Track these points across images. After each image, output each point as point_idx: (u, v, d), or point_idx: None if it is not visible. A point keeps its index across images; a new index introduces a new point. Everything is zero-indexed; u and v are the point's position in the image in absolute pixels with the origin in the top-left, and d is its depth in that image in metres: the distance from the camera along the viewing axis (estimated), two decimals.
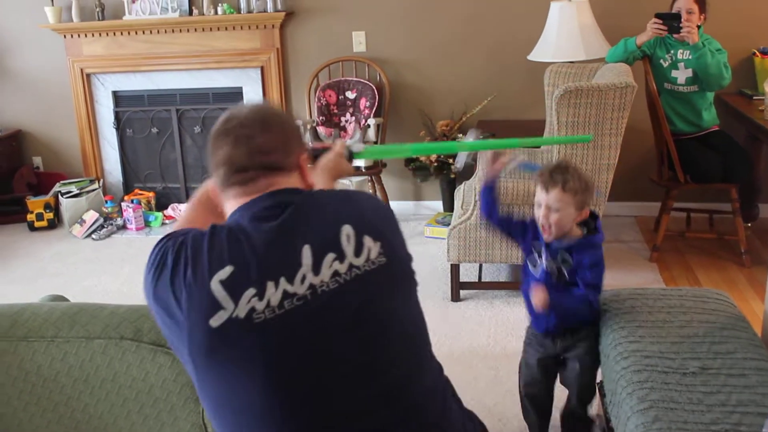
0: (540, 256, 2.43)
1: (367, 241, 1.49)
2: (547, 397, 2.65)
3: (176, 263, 1.45)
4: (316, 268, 1.43)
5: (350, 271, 1.45)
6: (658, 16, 4.02)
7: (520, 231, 2.54)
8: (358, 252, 1.47)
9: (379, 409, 1.45)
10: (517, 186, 3.54)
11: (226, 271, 1.41)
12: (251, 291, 1.40)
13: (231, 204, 1.56)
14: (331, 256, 1.45)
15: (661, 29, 4.00)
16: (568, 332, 2.47)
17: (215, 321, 1.39)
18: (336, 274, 1.44)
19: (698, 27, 4.00)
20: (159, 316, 1.49)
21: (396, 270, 1.54)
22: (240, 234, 1.45)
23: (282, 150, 1.55)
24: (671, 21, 3.97)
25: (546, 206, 2.33)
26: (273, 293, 1.40)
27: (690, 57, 4.04)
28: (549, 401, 2.66)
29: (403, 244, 1.61)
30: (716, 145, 4.14)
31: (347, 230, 1.48)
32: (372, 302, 1.47)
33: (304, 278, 1.42)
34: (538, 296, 2.32)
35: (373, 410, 1.45)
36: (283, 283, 1.41)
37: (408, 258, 1.62)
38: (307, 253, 1.44)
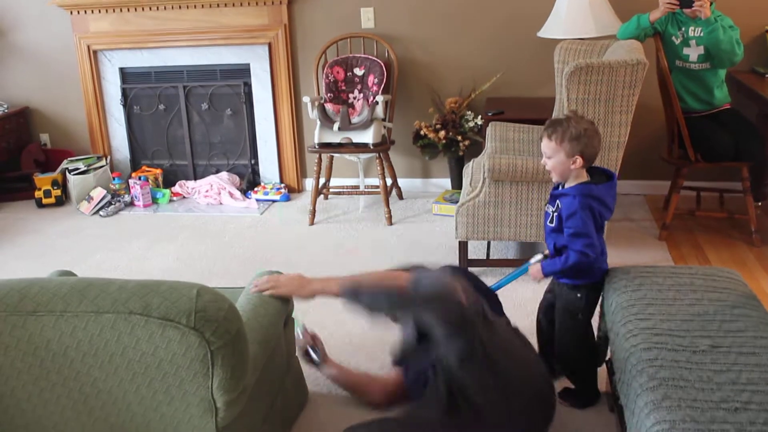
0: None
1: None
2: (547, 330, 2.85)
3: None
4: None
5: None
6: None
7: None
8: None
9: None
10: (526, 163, 3.52)
11: None
12: None
13: None
14: None
15: (673, 4, 3.96)
16: (557, 284, 2.72)
17: None
18: None
19: (710, 3, 3.95)
20: None
21: None
22: None
23: None
24: None
25: (544, 154, 2.61)
26: None
27: (702, 34, 3.99)
28: (549, 336, 2.83)
29: None
30: (727, 123, 4.10)
31: None
32: None
33: None
34: (533, 273, 2.69)
35: None
36: None
37: None
38: None
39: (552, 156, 2.57)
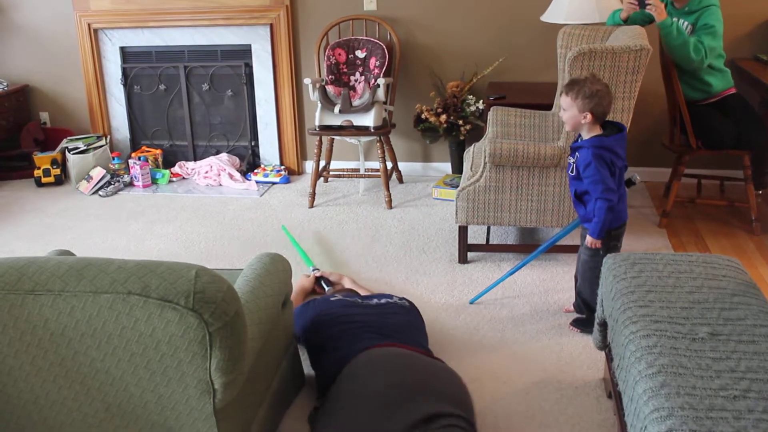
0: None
1: None
2: None
3: None
4: None
5: None
6: None
7: None
8: None
9: None
10: (527, 148, 3.50)
11: None
12: None
13: None
14: None
15: (632, 4, 3.93)
16: (583, 227, 3.10)
17: None
18: None
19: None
20: None
21: None
22: None
23: None
24: None
25: (561, 107, 2.97)
26: None
27: (686, 27, 3.97)
28: None
29: None
30: (730, 111, 4.06)
31: None
32: None
33: None
34: (590, 245, 3.02)
35: None
36: None
37: None
38: None
39: (567, 109, 2.93)
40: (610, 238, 3.03)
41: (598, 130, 2.94)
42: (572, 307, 3.30)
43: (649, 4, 3.85)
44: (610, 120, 3.00)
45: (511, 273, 3.49)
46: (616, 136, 2.93)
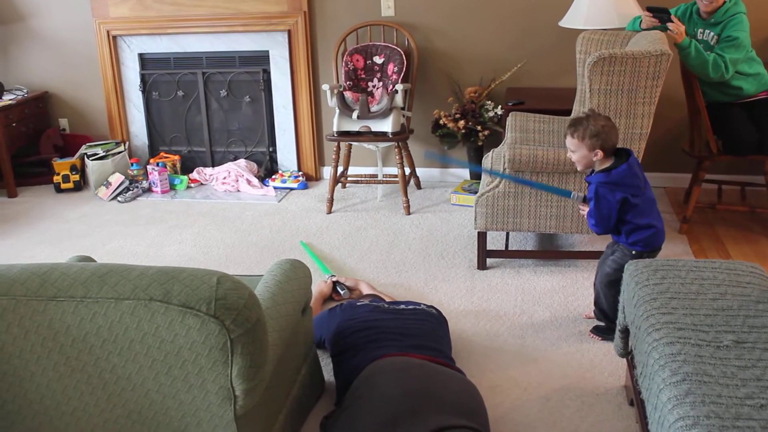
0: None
1: None
2: None
3: None
4: None
5: None
6: (648, 9, 3.92)
7: None
8: None
9: None
10: (547, 154, 3.49)
11: None
12: None
13: None
14: None
15: (652, 21, 3.90)
16: (616, 242, 3.10)
17: None
18: None
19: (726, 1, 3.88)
20: None
21: None
22: None
23: None
24: (660, 14, 3.87)
25: (568, 149, 2.99)
26: None
27: (712, 37, 3.94)
28: None
29: None
30: (760, 114, 3.97)
31: None
32: None
33: None
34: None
35: None
36: None
37: None
38: None
39: (576, 151, 2.93)
40: (646, 256, 3.00)
41: (609, 162, 2.93)
42: (592, 314, 3.28)
43: (670, 25, 3.81)
44: (621, 147, 2.99)
45: (504, 176, 3.56)
46: (621, 167, 2.88)
